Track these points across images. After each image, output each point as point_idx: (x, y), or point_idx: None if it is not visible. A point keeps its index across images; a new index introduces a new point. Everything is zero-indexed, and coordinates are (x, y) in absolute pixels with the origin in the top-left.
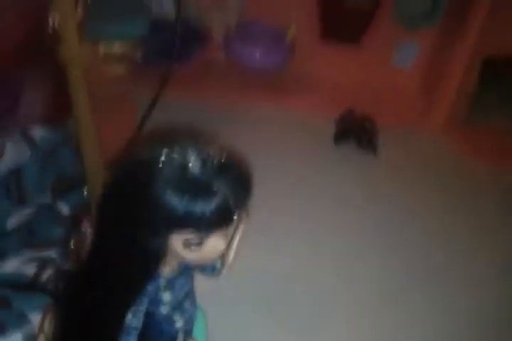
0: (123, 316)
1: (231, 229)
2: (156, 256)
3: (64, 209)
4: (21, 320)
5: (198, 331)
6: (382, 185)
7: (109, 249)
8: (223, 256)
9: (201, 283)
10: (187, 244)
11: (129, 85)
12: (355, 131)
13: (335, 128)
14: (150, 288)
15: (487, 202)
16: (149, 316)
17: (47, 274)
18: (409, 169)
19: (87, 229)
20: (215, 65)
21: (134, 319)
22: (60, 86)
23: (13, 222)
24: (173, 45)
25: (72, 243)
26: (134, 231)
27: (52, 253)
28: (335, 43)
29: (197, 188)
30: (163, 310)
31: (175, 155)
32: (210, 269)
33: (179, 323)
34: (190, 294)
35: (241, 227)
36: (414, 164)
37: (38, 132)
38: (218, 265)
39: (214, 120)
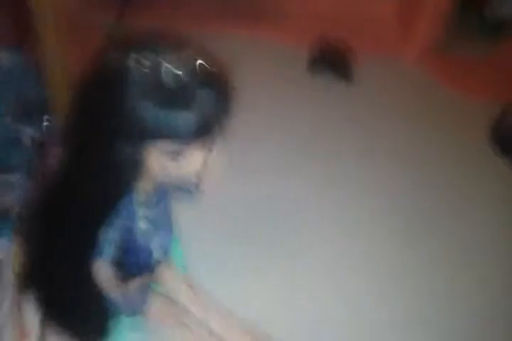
0: (98, 230)
1: (208, 145)
2: (131, 168)
3: (28, 132)
4: None
5: (174, 254)
6: (357, 114)
7: (81, 164)
8: (199, 177)
9: (179, 212)
10: (167, 155)
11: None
12: (330, 59)
13: (310, 56)
14: (127, 202)
15: (462, 129)
16: (127, 232)
17: (10, 200)
18: (385, 98)
19: (53, 152)
20: None
21: (110, 232)
22: (22, 6)
23: None
24: None
25: (38, 166)
26: (109, 143)
27: (14, 176)
28: None
29: (177, 96)
30: (141, 224)
31: (149, 60)
32: (187, 189)
33: (156, 240)
34: (167, 213)
35: (219, 145)
36: (390, 93)
37: (1, 55)
38: (195, 186)
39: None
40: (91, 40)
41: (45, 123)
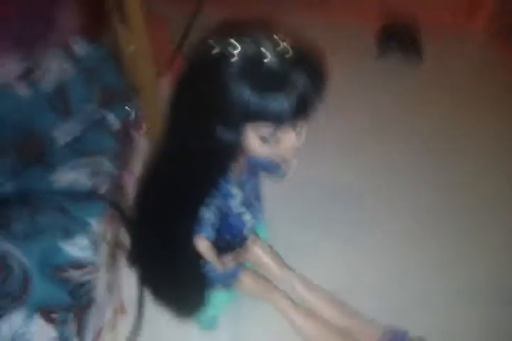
0: (197, 209)
1: (301, 126)
2: (230, 149)
3: (114, 120)
4: (83, 226)
5: (260, 230)
6: (426, 95)
7: (182, 146)
8: (289, 158)
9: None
10: (263, 138)
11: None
12: (399, 36)
13: (377, 35)
14: (223, 182)
15: None
16: (223, 211)
17: (105, 184)
18: (454, 76)
19: (139, 139)
20: None
21: (208, 211)
22: None
23: (63, 135)
24: None
25: (125, 152)
26: (209, 125)
27: (108, 162)
28: None
29: (274, 79)
30: (234, 204)
31: (248, 45)
32: (277, 171)
33: (247, 217)
34: (257, 193)
35: (305, 127)
36: (459, 72)
37: (80, 47)
38: (283, 166)
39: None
40: (170, 29)
41: (128, 111)
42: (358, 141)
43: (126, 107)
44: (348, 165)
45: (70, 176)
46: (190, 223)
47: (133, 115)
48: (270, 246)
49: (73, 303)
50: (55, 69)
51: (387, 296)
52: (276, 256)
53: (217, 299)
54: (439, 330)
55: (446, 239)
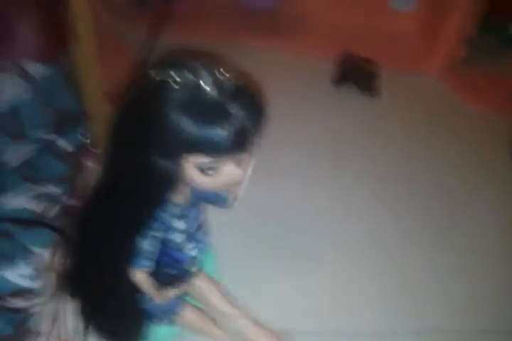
0: (135, 241)
1: (246, 156)
2: (168, 181)
3: (66, 145)
4: (29, 253)
5: (207, 264)
6: (380, 126)
7: (120, 177)
8: (235, 188)
9: (210, 218)
10: (202, 169)
11: (122, 21)
12: (355, 73)
13: (335, 70)
14: (164, 215)
15: (484, 144)
16: (163, 244)
17: (53, 211)
18: (408, 112)
19: (90, 165)
20: (211, 4)
21: (149, 244)
22: (54, 19)
23: (14, 158)
24: None
25: (76, 179)
26: (148, 156)
27: (56, 189)
28: None
29: (212, 111)
30: (177, 237)
31: (187, 76)
32: (221, 201)
33: (192, 252)
34: (202, 225)
35: (253, 158)
36: (413, 107)
37: (36, 68)
38: (229, 197)
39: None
40: (124, 55)
41: (82, 137)
42: (314, 168)
43: (79, 132)
44: (303, 192)
45: (17, 201)
46: (126, 255)
47: (85, 140)
48: (216, 281)
49: (14, 333)
50: (8, 90)
51: (342, 335)
52: (221, 291)
53: (158, 334)
54: None
55: (407, 269)
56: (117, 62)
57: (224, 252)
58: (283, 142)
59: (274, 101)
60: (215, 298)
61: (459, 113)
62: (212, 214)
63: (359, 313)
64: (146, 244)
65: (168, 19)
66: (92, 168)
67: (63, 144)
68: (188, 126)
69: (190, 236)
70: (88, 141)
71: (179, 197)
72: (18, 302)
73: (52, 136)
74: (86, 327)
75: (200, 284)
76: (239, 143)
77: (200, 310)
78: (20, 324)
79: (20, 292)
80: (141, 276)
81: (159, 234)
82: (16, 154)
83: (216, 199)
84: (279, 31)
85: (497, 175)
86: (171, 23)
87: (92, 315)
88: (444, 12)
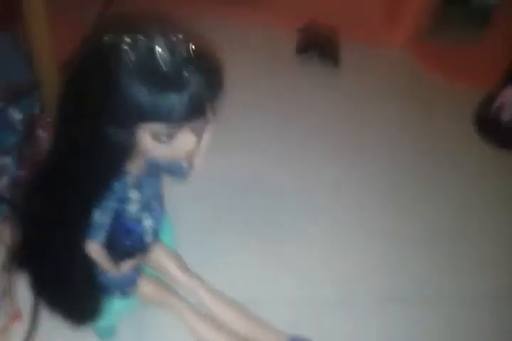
0: (89, 213)
1: (201, 125)
2: (122, 150)
3: (17, 115)
4: None
5: (165, 235)
6: (342, 97)
7: (72, 146)
8: (192, 157)
9: (168, 190)
10: (156, 137)
11: None
12: (318, 42)
13: (297, 39)
14: (117, 184)
15: (447, 115)
16: (118, 214)
17: (2, 182)
18: (371, 83)
19: (42, 134)
20: None
21: (102, 215)
22: None
23: None
24: None
25: (27, 149)
26: (99, 125)
27: (6, 159)
28: None
29: (166, 76)
30: (132, 207)
31: (140, 40)
32: (178, 171)
33: (147, 222)
34: (158, 195)
35: (210, 127)
36: (376, 78)
37: None
38: (186, 167)
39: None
40: (78, 27)
41: (33, 107)
42: (282, 140)
43: (32, 102)
44: (271, 166)
45: None
46: (80, 226)
47: (37, 110)
48: (174, 251)
49: None
50: None
51: (300, 307)
52: (179, 261)
53: (115, 306)
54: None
55: (372, 242)
56: (72, 32)
57: (185, 223)
58: (249, 113)
59: (239, 72)
60: (172, 269)
61: (422, 83)
62: (174, 185)
63: (322, 283)
64: (99, 215)
65: None
66: (44, 138)
67: (15, 114)
68: (141, 92)
69: (145, 206)
70: (40, 110)
71: (134, 167)
72: None
73: (2, 106)
74: (37, 301)
75: (157, 254)
76: (194, 110)
77: (158, 280)
78: None
79: None
80: (94, 248)
81: (113, 204)
82: None
83: (172, 169)
84: (245, 2)
85: (460, 144)
86: None
87: (44, 288)
88: None
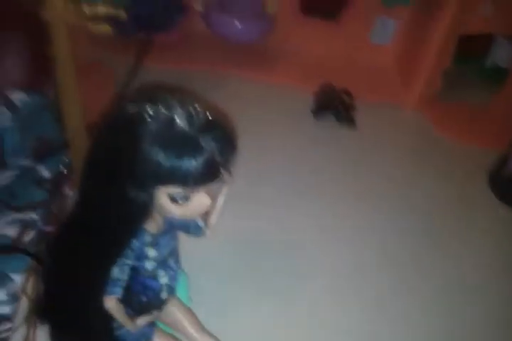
0: (108, 270)
1: (216, 187)
2: (142, 211)
3: (45, 172)
4: (3, 279)
5: (180, 291)
6: (358, 157)
7: (94, 206)
8: (207, 216)
9: (183, 246)
10: (173, 199)
11: (106, 52)
12: (334, 105)
13: (313, 101)
14: (136, 243)
15: (461, 175)
16: (135, 271)
17: (28, 237)
18: (385, 143)
19: (69, 192)
20: (195, 35)
21: (119, 271)
22: (39, 50)
23: None
24: (153, 15)
25: (53, 206)
26: (120, 187)
27: (34, 215)
28: (315, 17)
29: (184, 144)
30: (149, 265)
31: (161, 110)
32: (194, 229)
33: (164, 279)
34: (174, 252)
35: (225, 188)
36: (390, 139)
37: (19, 96)
38: (202, 225)
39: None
40: (108, 87)
41: (61, 165)
42: (294, 198)
43: (59, 160)
44: (283, 222)
45: None
46: (100, 283)
47: (64, 169)
48: (190, 309)
49: None
50: None
51: None
52: (194, 318)
53: None
54: None
55: (387, 294)
56: (100, 94)
57: (199, 279)
58: (263, 173)
59: (253, 132)
60: (186, 325)
61: (436, 145)
62: (187, 241)
63: None
64: (117, 272)
65: (150, 50)
66: (70, 196)
67: (43, 171)
68: (160, 158)
69: (161, 263)
70: (67, 169)
71: (152, 225)
72: None
73: (32, 163)
74: None
75: (172, 310)
76: (209, 174)
77: (172, 337)
78: None
79: None
80: (111, 303)
81: (130, 262)
82: None
83: (188, 227)
84: (261, 63)
85: (475, 205)
86: (153, 54)
87: (63, 340)
88: (420, 46)
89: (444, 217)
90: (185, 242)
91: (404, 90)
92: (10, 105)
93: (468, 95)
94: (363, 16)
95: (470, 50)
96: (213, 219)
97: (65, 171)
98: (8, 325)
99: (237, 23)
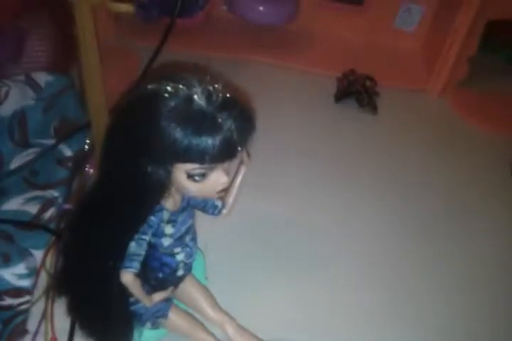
0: (126, 245)
1: (234, 166)
2: (160, 187)
3: (67, 151)
4: (24, 253)
5: (196, 269)
6: (380, 143)
7: (113, 182)
8: (225, 195)
9: (201, 225)
10: (190, 176)
11: (132, 36)
12: (357, 90)
13: (336, 86)
14: (154, 219)
15: (485, 162)
16: (152, 248)
17: (49, 213)
18: (408, 129)
19: (90, 171)
20: (217, 19)
21: (137, 247)
22: (65, 31)
23: (15, 162)
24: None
25: (74, 184)
26: (139, 163)
27: (55, 192)
28: (340, 1)
29: (202, 121)
30: (166, 241)
31: (180, 87)
32: (211, 208)
33: (180, 256)
34: (191, 230)
35: (243, 167)
36: (413, 125)
37: (43, 77)
38: (219, 204)
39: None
40: (132, 68)
41: (83, 145)
42: (313, 182)
43: (81, 139)
44: (303, 206)
45: (15, 203)
46: (117, 258)
47: (87, 148)
48: (205, 287)
49: (5, 332)
50: (16, 98)
51: None
52: (209, 296)
53: (145, 335)
54: None
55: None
56: (125, 77)
57: (216, 258)
58: (281, 155)
59: (273, 114)
60: (202, 303)
61: (459, 131)
62: (205, 221)
63: (354, 327)
64: (134, 247)
65: (173, 33)
66: (91, 174)
67: (65, 150)
68: (177, 134)
69: (178, 241)
70: (89, 148)
71: (170, 203)
72: (9, 300)
73: (54, 142)
74: (73, 327)
75: (188, 288)
76: (226, 152)
77: (188, 313)
78: (8, 321)
79: (12, 290)
80: (129, 277)
81: (147, 237)
82: (18, 159)
83: (205, 206)
84: (284, 48)
85: (497, 193)
86: (175, 38)
87: (80, 314)
88: (447, 31)
89: (465, 205)
90: (202, 221)
91: (429, 76)
92: (34, 85)
93: (496, 83)
94: (389, 1)
95: (500, 37)
96: (230, 198)
97: (87, 150)
98: (27, 297)
99: (260, 5)
